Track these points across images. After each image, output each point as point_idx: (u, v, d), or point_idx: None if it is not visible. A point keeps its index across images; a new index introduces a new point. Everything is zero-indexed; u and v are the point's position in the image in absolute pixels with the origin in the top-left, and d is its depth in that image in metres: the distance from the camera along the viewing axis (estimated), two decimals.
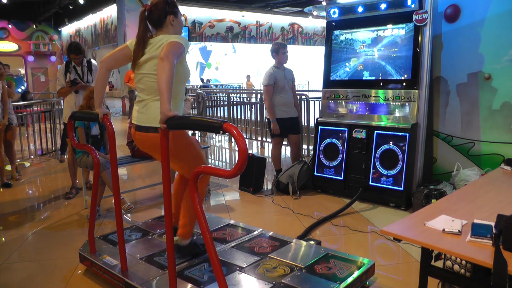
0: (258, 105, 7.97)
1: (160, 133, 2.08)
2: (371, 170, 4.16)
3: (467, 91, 4.09)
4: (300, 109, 6.66)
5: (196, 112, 9.44)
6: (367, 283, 2.54)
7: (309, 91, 12.65)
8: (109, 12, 14.37)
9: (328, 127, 4.59)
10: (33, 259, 3.18)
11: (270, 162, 6.13)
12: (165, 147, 2.09)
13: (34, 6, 16.14)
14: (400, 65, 4.13)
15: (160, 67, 2.08)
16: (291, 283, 2.32)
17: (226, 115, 9.01)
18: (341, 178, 4.39)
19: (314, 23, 18.96)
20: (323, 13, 11.61)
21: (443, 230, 1.67)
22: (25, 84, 16.90)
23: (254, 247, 2.85)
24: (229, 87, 16.63)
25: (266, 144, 7.69)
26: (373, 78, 4.33)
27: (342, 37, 4.60)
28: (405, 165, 3.94)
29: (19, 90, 12.34)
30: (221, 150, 7.98)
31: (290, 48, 5.05)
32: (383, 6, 4.20)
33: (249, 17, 17.23)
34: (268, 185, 5.00)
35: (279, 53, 4.73)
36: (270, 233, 3.10)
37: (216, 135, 8.69)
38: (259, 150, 7.52)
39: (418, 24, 3.96)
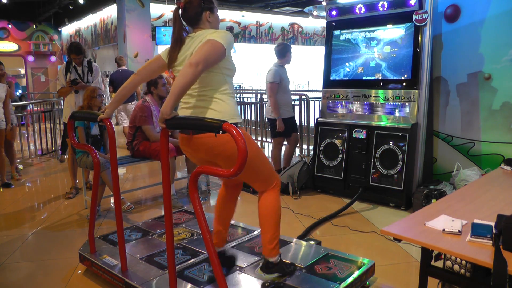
0: (258, 105, 7.97)
1: (161, 133, 2.08)
2: (371, 170, 4.15)
3: (467, 91, 4.09)
4: (300, 109, 6.69)
5: None
6: (367, 283, 2.54)
7: (309, 91, 12.63)
8: (109, 12, 14.36)
9: (328, 127, 4.59)
10: (33, 259, 3.18)
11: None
12: (165, 147, 2.08)
13: (34, 6, 16.13)
14: (400, 65, 4.13)
15: (183, 71, 1.94)
16: (291, 283, 2.32)
17: None
18: (341, 178, 4.39)
19: (314, 23, 18.94)
20: (323, 13, 11.61)
21: (443, 230, 1.67)
22: (23, 88, 16.87)
23: (254, 247, 2.85)
24: None
25: (266, 144, 7.69)
26: (373, 78, 4.33)
27: (342, 37, 4.60)
28: (405, 165, 3.94)
29: (17, 93, 12.31)
30: None
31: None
32: (383, 6, 4.20)
33: (249, 17, 17.20)
34: None
35: (288, 53, 4.77)
36: None
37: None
38: None
39: (418, 24, 3.96)
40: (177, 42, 2.22)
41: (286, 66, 4.86)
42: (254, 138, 8.01)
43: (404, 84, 4.09)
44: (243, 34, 17.31)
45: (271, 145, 7.47)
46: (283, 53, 4.75)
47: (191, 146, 2.20)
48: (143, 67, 2.41)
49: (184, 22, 2.26)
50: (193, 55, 2.02)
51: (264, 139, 7.70)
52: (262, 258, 2.39)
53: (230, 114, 2.15)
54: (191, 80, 1.95)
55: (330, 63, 4.67)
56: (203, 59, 1.96)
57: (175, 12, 2.24)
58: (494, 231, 1.57)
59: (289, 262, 2.49)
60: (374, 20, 4.32)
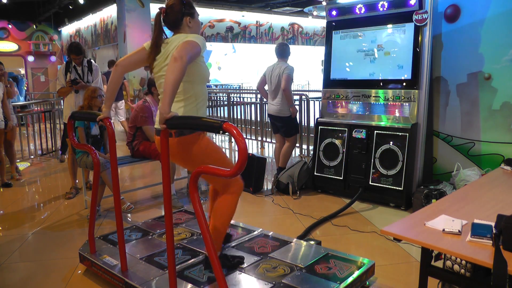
0: (258, 105, 7.97)
1: (160, 135, 2.08)
2: (371, 170, 4.15)
3: (467, 91, 4.09)
4: (300, 109, 6.69)
5: None
6: (367, 283, 2.54)
7: (309, 91, 12.63)
8: (109, 12, 14.36)
9: (328, 127, 4.59)
10: (33, 259, 3.18)
11: (269, 162, 6.13)
12: (165, 147, 2.09)
13: (34, 6, 16.12)
14: (400, 65, 4.13)
15: (170, 67, 2.02)
16: (291, 283, 2.32)
17: (226, 115, 9.01)
18: (341, 178, 4.39)
19: (314, 23, 18.92)
20: (323, 13, 11.58)
21: (443, 230, 1.67)
22: (26, 86, 16.87)
23: (254, 247, 2.85)
24: (229, 87, 16.62)
25: (266, 144, 7.69)
26: (373, 78, 4.33)
27: (342, 37, 4.60)
28: (405, 165, 3.94)
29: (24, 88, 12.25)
30: None
31: (290, 48, 5.05)
32: (383, 6, 4.20)
33: (249, 17, 17.19)
34: (268, 185, 5.00)
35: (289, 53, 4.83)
36: (270, 233, 3.10)
37: (216, 135, 8.70)
38: (259, 150, 7.52)
39: (418, 24, 3.96)
40: (153, 45, 2.31)
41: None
42: (254, 138, 8.01)
43: (404, 84, 4.09)
44: (243, 34, 17.30)
45: (271, 145, 7.52)
46: (287, 53, 4.80)
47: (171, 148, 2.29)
48: (125, 58, 2.47)
49: (165, 27, 2.36)
50: (175, 51, 2.09)
51: (264, 139, 7.69)
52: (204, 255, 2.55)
53: None
54: (180, 73, 2.01)
55: (330, 63, 4.67)
56: (185, 53, 2.05)
57: (157, 17, 2.33)
58: (494, 231, 1.57)
59: (236, 255, 2.60)
60: (374, 20, 4.32)
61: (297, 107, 6.43)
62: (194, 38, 2.20)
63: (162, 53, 2.30)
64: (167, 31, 2.40)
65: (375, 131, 4.18)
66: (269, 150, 7.36)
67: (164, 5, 2.36)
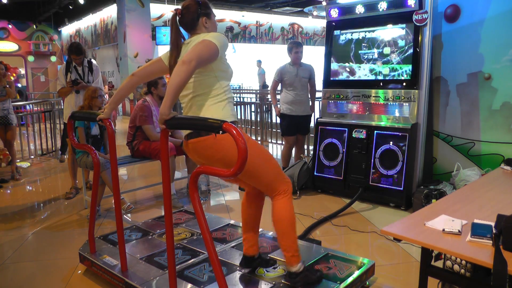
0: (258, 105, 7.97)
1: (161, 133, 2.08)
2: (371, 170, 4.15)
3: (467, 91, 4.09)
4: None
5: None
6: (367, 283, 2.54)
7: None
8: (109, 12, 14.36)
9: (328, 127, 4.59)
10: (33, 259, 3.18)
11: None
12: (165, 147, 2.09)
13: (34, 6, 16.12)
14: (400, 65, 4.13)
15: (177, 70, 1.96)
16: (291, 283, 2.32)
17: None
18: (341, 178, 4.38)
19: (314, 23, 18.93)
20: (323, 13, 11.60)
21: (443, 230, 1.67)
22: (22, 87, 16.86)
23: None
24: None
25: (265, 143, 7.69)
26: (373, 78, 4.33)
27: (342, 37, 4.60)
28: (405, 165, 3.94)
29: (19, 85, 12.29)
30: None
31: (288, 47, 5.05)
32: (383, 6, 4.20)
33: (249, 17, 17.19)
34: None
35: (292, 52, 4.86)
36: (270, 233, 3.10)
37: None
38: None
39: (418, 24, 3.96)
40: (174, 47, 2.25)
41: (306, 62, 4.98)
42: (254, 138, 8.01)
43: (404, 84, 4.09)
44: (243, 34, 17.29)
45: (271, 145, 7.52)
46: (288, 51, 4.91)
47: (188, 151, 2.26)
48: (141, 68, 2.42)
49: (182, 28, 2.30)
50: (186, 53, 2.04)
51: (264, 138, 7.70)
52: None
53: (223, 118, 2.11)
54: (185, 78, 1.96)
55: (330, 63, 4.67)
56: (196, 56, 1.98)
57: (173, 18, 2.27)
58: (494, 231, 1.57)
59: (316, 268, 2.46)
60: (374, 20, 4.32)
61: None
62: (212, 37, 2.09)
63: (182, 54, 2.22)
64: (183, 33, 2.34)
65: (375, 131, 4.18)
66: (269, 150, 7.36)
67: (180, 6, 2.31)
